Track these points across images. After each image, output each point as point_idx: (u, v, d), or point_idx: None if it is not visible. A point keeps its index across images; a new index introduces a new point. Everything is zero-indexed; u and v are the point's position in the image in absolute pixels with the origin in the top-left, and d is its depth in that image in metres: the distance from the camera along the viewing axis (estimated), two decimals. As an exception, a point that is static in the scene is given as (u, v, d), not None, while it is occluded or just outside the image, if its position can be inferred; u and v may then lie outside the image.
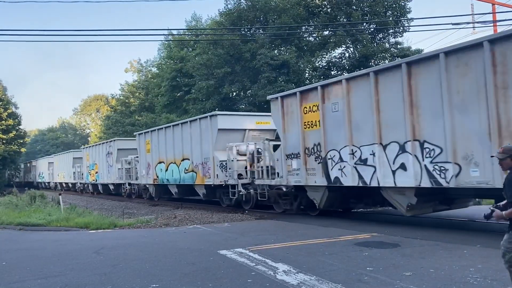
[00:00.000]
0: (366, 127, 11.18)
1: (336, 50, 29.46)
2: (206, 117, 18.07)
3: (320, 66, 29.22)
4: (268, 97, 15.17)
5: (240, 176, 16.48)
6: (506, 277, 5.77)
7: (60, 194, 19.52)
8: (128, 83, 56.86)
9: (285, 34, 28.25)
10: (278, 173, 14.11)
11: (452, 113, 9.24)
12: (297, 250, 8.16)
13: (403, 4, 27.54)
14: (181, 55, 40.69)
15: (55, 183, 46.61)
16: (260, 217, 14.40)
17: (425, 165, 9.79)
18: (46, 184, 50.64)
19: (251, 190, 16.03)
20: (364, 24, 28.11)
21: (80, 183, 37.34)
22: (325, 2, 29.48)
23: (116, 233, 12.34)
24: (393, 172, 10.53)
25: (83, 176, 35.57)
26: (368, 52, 26.35)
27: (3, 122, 41.21)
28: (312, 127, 12.86)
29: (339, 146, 12.03)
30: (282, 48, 31.43)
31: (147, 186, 23.67)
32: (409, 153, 10.09)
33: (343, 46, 28.78)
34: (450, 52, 9.37)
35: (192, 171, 18.77)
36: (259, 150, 16.03)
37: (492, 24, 20.84)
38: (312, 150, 12.88)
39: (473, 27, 21.87)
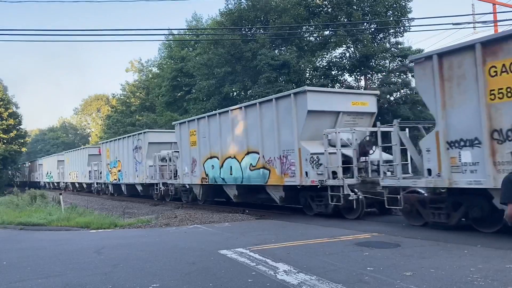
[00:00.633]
0: None
1: (336, 50, 29.44)
2: (288, 95, 13.70)
3: (321, 66, 29.19)
4: (411, 58, 10.97)
5: (333, 174, 12.60)
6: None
7: (60, 194, 19.53)
8: (129, 83, 57.01)
9: (286, 34, 28.23)
10: (429, 170, 9.93)
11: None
12: (297, 250, 8.16)
13: (403, 4, 27.51)
14: (181, 55, 40.75)
15: (66, 183, 42.37)
16: (261, 216, 14.41)
17: None
18: (55, 184, 46.54)
19: (359, 194, 12.18)
20: (365, 24, 28.09)
21: (97, 183, 32.86)
22: (326, 2, 29.45)
23: (116, 232, 12.34)
24: None
25: (102, 175, 31.14)
26: (368, 52, 26.31)
27: (4, 121, 41.29)
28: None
29: None
30: (282, 48, 31.43)
31: (191, 186, 19.46)
32: None
33: (344, 46, 28.75)
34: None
35: (263, 167, 14.63)
36: (368, 139, 12.66)
37: (493, 24, 20.82)
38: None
39: (473, 27, 21.83)
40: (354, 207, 12.25)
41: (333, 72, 28.33)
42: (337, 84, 28.55)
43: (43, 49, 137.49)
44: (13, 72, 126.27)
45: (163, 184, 22.13)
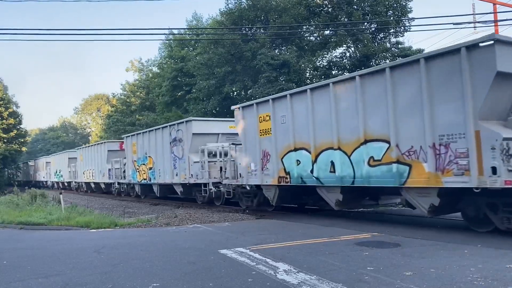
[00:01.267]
0: None
1: (337, 49, 29.47)
2: (455, 50, 9.09)
3: (321, 66, 29.22)
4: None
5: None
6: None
7: (60, 193, 19.53)
8: (129, 83, 57.10)
9: (286, 34, 28.24)
10: None
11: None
12: (297, 250, 8.16)
13: (404, 3, 27.53)
14: (182, 54, 40.79)
15: (78, 183, 37.50)
16: (261, 216, 14.39)
17: None
18: (66, 184, 41.78)
19: None
20: (365, 23, 28.10)
21: (118, 184, 28.17)
22: (326, 2, 29.48)
23: (116, 232, 12.34)
24: None
25: (125, 174, 26.66)
26: (369, 51, 26.34)
27: (4, 121, 41.36)
28: None
29: None
30: (283, 48, 31.45)
31: (259, 188, 15.19)
32: None
33: (344, 45, 28.78)
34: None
35: (397, 162, 10.29)
36: None
37: (493, 24, 20.80)
38: None
39: (474, 27, 21.84)
40: None
41: (333, 72, 28.36)
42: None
43: (43, 49, 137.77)
44: (13, 71, 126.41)
45: (214, 184, 18.27)
